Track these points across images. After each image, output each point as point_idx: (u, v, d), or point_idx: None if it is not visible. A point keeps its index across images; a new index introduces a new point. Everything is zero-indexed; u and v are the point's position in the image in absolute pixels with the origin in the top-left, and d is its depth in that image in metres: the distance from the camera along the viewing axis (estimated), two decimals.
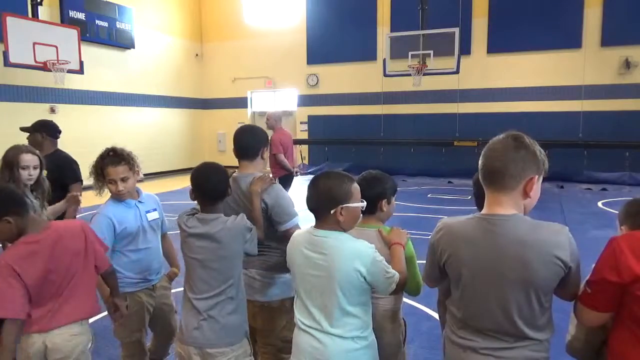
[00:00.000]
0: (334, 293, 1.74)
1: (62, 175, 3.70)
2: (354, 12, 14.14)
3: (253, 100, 16.25)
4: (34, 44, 9.51)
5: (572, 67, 12.37)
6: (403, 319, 2.20)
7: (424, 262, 1.77)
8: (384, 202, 2.09)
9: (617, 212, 1.91)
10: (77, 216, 3.54)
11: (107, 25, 12.28)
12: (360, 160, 13.70)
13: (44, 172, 3.16)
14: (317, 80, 15.00)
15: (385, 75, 12.54)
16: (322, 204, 1.79)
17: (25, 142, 3.69)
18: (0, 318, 1.96)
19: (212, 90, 16.37)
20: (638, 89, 11.90)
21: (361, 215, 1.95)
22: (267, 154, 2.50)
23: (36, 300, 1.96)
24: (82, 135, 10.91)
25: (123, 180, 2.50)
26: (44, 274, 1.97)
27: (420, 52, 11.91)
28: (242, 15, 15.71)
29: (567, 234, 1.49)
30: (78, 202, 3.31)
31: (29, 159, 2.99)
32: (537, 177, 1.52)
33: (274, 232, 2.33)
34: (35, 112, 9.93)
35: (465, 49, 12.58)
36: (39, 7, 10.12)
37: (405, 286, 1.93)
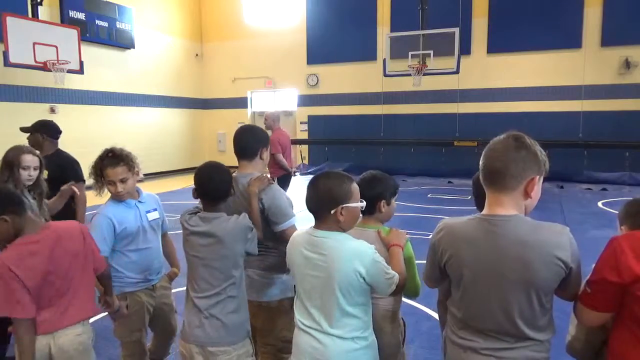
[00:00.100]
0: (333, 294, 1.73)
1: (63, 175, 3.70)
2: (354, 12, 14.14)
3: (253, 100, 16.25)
4: (34, 44, 9.51)
5: (572, 67, 12.37)
6: (402, 319, 2.20)
7: (424, 262, 1.77)
8: (383, 202, 2.09)
9: (617, 212, 1.91)
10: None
11: (107, 25, 12.28)
12: (360, 160, 13.70)
13: (45, 173, 3.16)
14: (317, 80, 15.00)
15: (385, 75, 12.55)
16: (322, 204, 1.79)
17: (26, 142, 3.69)
18: (9, 319, 1.96)
19: (212, 90, 16.37)
20: (638, 89, 11.90)
21: (361, 215, 1.95)
22: (266, 155, 2.50)
23: (37, 301, 1.95)
24: (82, 135, 10.90)
25: (122, 181, 2.50)
26: (43, 275, 1.95)
27: (420, 52, 11.91)
28: (242, 15, 15.71)
29: (568, 234, 1.49)
30: (72, 192, 3.28)
31: (30, 160, 3.00)
32: (538, 177, 1.52)
33: (271, 232, 2.34)
34: (35, 112, 9.93)
35: (465, 49, 12.58)
36: (39, 7, 10.12)
37: (404, 287, 1.93)
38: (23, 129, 3.88)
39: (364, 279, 1.72)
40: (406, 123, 13.96)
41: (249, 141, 2.45)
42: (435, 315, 3.11)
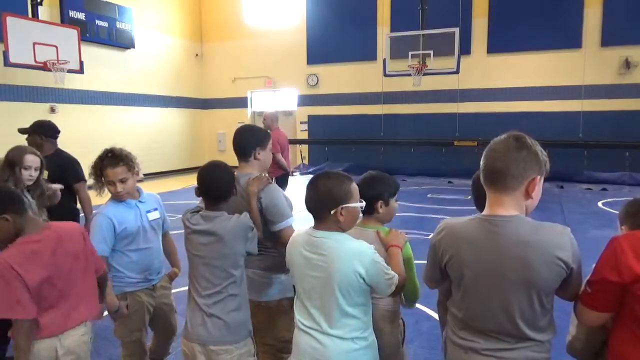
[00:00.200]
0: (333, 294, 1.73)
1: (64, 175, 3.71)
2: (354, 12, 14.14)
3: (253, 100, 16.25)
4: (34, 44, 9.50)
5: (572, 67, 12.37)
6: (402, 319, 2.20)
7: (425, 262, 1.76)
8: (380, 203, 2.09)
9: (617, 212, 1.91)
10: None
11: (107, 25, 12.28)
12: (360, 160, 13.70)
13: (45, 173, 3.16)
14: (317, 80, 15.00)
15: (385, 75, 12.54)
16: (322, 205, 1.79)
17: (25, 142, 3.69)
18: (8, 320, 1.93)
19: (212, 90, 16.37)
20: (638, 89, 11.90)
21: (361, 215, 1.95)
22: (263, 155, 2.47)
23: (37, 302, 1.93)
24: (82, 135, 10.90)
25: (122, 181, 2.51)
26: (45, 275, 1.94)
27: (420, 52, 11.90)
28: (242, 15, 15.71)
29: (569, 234, 1.49)
30: (52, 192, 3.26)
31: (32, 160, 3.01)
32: (539, 177, 1.52)
33: (270, 232, 2.34)
34: (35, 112, 9.94)
35: (465, 49, 12.58)
36: (39, 7, 10.12)
37: (403, 290, 1.93)
38: (21, 131, 3.88)
39: (363, 279, 1.72)
40: (406, 123, 13.96)
41: (244, 141, 2.46)
42: (435, 315, 3.11)
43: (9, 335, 1.94)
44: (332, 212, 1.76)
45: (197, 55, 16.16)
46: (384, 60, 12.33)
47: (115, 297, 2.50)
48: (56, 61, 9.91)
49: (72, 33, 10.49)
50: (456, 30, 11.46)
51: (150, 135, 13.95)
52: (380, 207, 2.09)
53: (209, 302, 2.12)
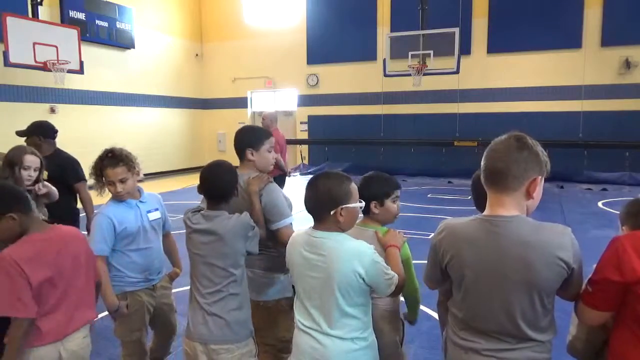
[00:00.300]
0: (332, 294, 1.73)
1: (64, 175, 3.71)
2: (354, 12, 14.14)
3: (253, 100, 16.24)
4: (34, 44, 9.50)
5: (572, 67, 12.37)
6: (401, 319, 2.21)
7: (425, 262, 1.76)
8: (375, 203, 2.10)
9: (617, 212, 1.91)
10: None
11: (107, 25, 12.28)
12: (360, 160, 13.71)
13: (45, 174, 3.16)
14: (317, 80, 15.00)
15: (385, 75, 12.55)
16: (322, 205, 1.79)
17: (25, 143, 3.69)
18: (7, 319, 1.90)
19: (212, 90, 16.37)
20: (638, 89, 11.90)
21: (362, 215, 1.95)
22: (256, 157, 2.43)
23: (38, 303, 1.90)
24: (82, 135, 10.91)
25: (122, 181, 2.51)
26: (48, 275, 1.92)
27: (420, 52, 11.90)
28: (242, 15, 15.71)
29: (570, 235, 1.49)
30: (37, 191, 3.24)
31: (32, 160, 3.01)
32: (540, 178, 1.52)
33: (270, 231, 2.35)
34: (35, 112, 9.94)
35: (465, 49, 12.58)
36: (39, 7, 10.11)
37: (403, 290, 1.93)
38: (19, 133, 3.87)
39: (363, 279, 1.72)
40: (406, 123, 13.96)
41: (237, 142, 2.48)
42: (435, 315, 3.11)
43: (5, 341, 1.90)
44: (332, 212, 1.76)
45: (197, 55, 16.16)
46: (384, 60, 12.33)
47: (115, 296, 2.50)
48: (56, 61, 9.91)
49: (72, 33, 10.49)
50: (456, 30, 11.46)
51: (150, 135, 13.95)
52: (375, 207, 2.10)
53: (209, 301, 2.12)
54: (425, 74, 11.97)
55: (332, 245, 1.76)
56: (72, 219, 3.72)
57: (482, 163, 1.57)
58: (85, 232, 3.79)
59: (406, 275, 1.93)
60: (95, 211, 2.60)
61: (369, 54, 14.11)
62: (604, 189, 10.82)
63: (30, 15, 9.94)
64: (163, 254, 2.79)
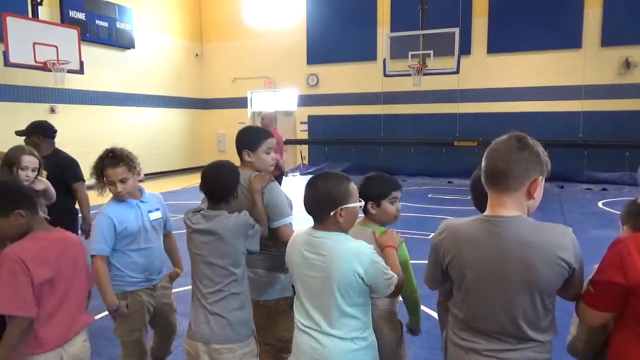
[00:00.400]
0: (332, 294, 1.73)
1: (63, 175, 3.71)
2: (354, 12, 14.13)
3: (253, 100, 16.24)
4: (34, 44, 9.50)
5: (572, 67, 12.37)
6: (400, 320, 2.20)
7: (425, 262, 1.76)
8: (371, 204, 2.10)
9: (617, 212, 1.91)
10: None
11: (107, 25, 12.28)
12: (360, 160, 13.71)
13: (44, 174, 3.16)
14: (317, 80, 15.00)
15: (385, 75, 12.54)
16: (321, 206, 1.79)
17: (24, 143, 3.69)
18: (6, 317, 1.87)
19: (212, 90, 16.37)
20: (638, 89, 11.90)
21: (362, 215, 1.95)
22: (253, 158, 2.43)
23: (37, 305, 1.88)
24: (82, 135, 10.91)
25: (122, 181, 2.52)
26: (50, 275, 1.91)
27: (420, 52, 11.90)
28: (242, 15, 15.71)
29: (571, 235, 1.49)
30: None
31: (30, 161, 3.00)
32: (540, 178, 1.52)
33: (270, 230, 2.35)
34: (35, 112, 9.93)
35: (465, 49, 12.58)
36: (39, 7, 10.11)
37: (402, 290, 1.93)
38: (18, 133, 3.87)
39: (362, 279, 1.72)
40: (406, 123, 13.96)
41: (236, 142, 2.48)
42: (435, 315, 3.11)
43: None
44: (332, 213, 1.76)
45: (197, 55, 16.16)
46: (384, 60, 12.33)
47: (115, 296, 2.50)
48: (56, 61, 9.91)
49: (72, 33, 10.49)
50: (456, 30, 11.46)
51: (151, 135, 13.94)
52: (372, 208, 2.10)
53: (211, 301, 2.13)
54: (425, 74, 11.97)
55: (332, 245, 1.76)
56: (70, 219, 3.72)
57: (482, 163, 1.57)
58: (80, 232, 3.81)
59: (404, 276, 1.93)
60: (93, 211, 2.60)
61: (369, 54, 14.11)
62: (604, 189, 10.81)
63: (30, 15, 9.93)
64: (164, 254, 2.80)
